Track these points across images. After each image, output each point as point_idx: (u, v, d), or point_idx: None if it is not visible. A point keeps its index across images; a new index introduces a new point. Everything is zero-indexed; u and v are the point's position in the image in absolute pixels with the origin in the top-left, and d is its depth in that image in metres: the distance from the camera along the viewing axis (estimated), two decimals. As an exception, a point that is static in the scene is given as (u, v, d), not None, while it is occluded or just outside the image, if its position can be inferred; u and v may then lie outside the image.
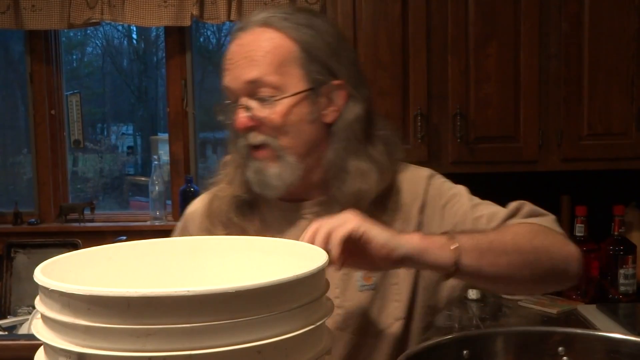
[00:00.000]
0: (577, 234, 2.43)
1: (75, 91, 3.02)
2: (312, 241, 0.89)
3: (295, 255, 0.85)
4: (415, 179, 1.21)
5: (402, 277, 1.16)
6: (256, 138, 1.10)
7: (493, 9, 2.32)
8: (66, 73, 3.08)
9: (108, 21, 2.76)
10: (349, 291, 1.14)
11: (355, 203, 1.08)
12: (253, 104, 1.09)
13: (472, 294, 2.44)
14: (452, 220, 1.15)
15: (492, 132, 2.35)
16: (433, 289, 1.18)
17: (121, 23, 2.82)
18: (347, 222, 0.91)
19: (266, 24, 1.10)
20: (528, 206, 1.16)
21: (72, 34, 3.35)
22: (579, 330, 0.96)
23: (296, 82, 1.09)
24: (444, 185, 1.22)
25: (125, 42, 3.75)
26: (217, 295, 0.62)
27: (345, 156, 1.12)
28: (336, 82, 1.12)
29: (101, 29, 3.44)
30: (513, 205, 1.16)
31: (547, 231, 1.11)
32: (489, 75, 2.33)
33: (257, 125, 1.09)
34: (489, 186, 2.68)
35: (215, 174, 1.22)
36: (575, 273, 1.09)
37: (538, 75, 2.32)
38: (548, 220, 1.15)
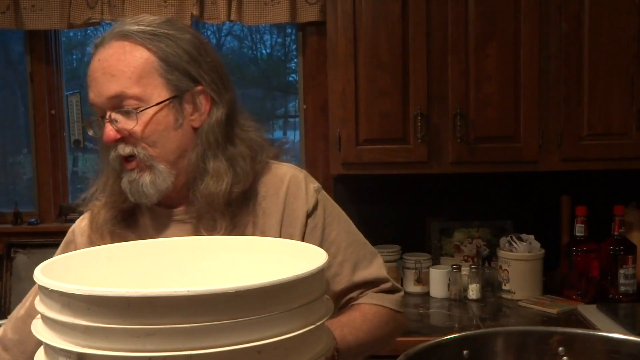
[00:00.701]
0: (577, 234, 2.43)
1: (75, 91, 3.01)
2: None
3: (295, 255, 0.85)
4: (306, 185, 1.24)
5: None
6: (124, 150, 1.14)
7: (493, 9, 2.32)
8: (66, 73, 3.08)
9: (108, 21, 2.76)
10: None
11: (210, 203, 1.14)
12: (118, 117, 1.13)
13: (472, 294, 2.44)
14: (336, 236, 1.24)
15: (492, 132, 2.35)
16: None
17: (121, 23, 2.82)
18: None
19: (124, 36, 1.14)
20: (387, 284, 1.28)
21: (72, 34, 3.34)
22: (579, 330, 0.96)
23: (158, 91, 1.13)
24: (328, 206, 1.26)
25: (125, 42, 3.75)
26: (217, 295, 0.62)
27: (205, 158, 1.16)
28: (199, 88, 1.16)
29: (101, 29, 3.44)
30: (374, 276, 1.27)
31: (390, 318, 1.27)
32: (489, 75, 2.33)
33: (124, 137, 1.13)
34: (489, 186, 2.69)
35: (88, 189, 1.26)
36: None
37: (538, 75, 2.33)
38: (397, 299, 1.29)
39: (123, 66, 1.11)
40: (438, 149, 2.36)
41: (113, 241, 1.16)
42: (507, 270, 2.47)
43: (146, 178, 1.14)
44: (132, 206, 1.21)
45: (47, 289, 0.66)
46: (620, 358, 0.90)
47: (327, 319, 0.73)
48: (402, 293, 1.31)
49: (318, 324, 0.70)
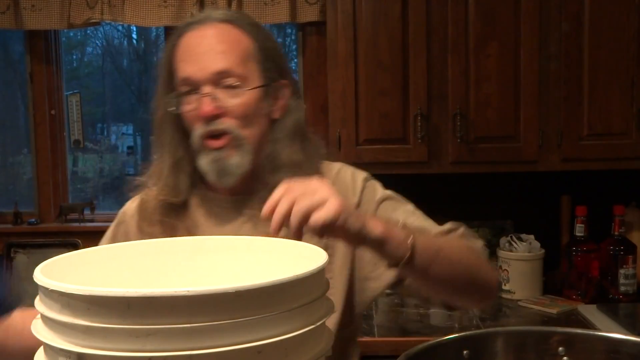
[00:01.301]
0: (577, 234, 2.43)
1: (75, 91, 3.01)
2: (284, 212, 0.89)
3: (295, 255, 0.84)
4: (353, 177, 1.26)
5: (337, 272, 1.19)
6: (221, 124, 1.14)
7: (493, 9, 2.32)
8: (66, 73, 3.08)
9: (108, 21, 2.76)
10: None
11: None
12: (218, 92, 1.13)
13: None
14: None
15: (492, 132, 2.35)
16: (360, 286, 1.22)
17: (121, 23, 2.82)
18: (328, 205, 0.90)
19: (226, 20, 1.17)
20: (463, 229, 1.21)
21: (72, 34, 3.34)
22: (579, 330, 0.96)
23: (255, 77, 1.16)
24: (379, 188, 1.27)
25: (125, 42, 3.75)
26: (217, 295, 0.62)
27: (281, 150, 1.18)
28: (284, 81, 1.20)
29: (101, 29, 3.44)
30: (448, 225, 1.20)
31: (479, 254, 1.18)
32: (489, 75, 2.33)
33: (222, 113, 1.14)
34: (489, 186, 2.69)
35: (143, 173, 1.25)
36: (493, 297, 1.19)
37: (538, 75, 2.33)
38: (479, 245, 1.20)
39: (230, 46, 1.14)
40: (438, 149, 2.36)
41: (161, 230, 1.18)
42: (507, 270, 2.47)
43: (234, 158, 1.15)
44: (181, 201, 1.21)
45: (47, 289, 0.66)
46: (620, 358, 0.90)
47: (327, 318, 0.73)
48: (482, 242, 1.24)
49: (318, 324, 0.70)
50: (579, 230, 2.43)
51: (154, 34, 3.43)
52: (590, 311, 2.27)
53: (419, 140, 2.33)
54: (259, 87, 1.16)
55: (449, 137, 2.35)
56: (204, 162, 1.16)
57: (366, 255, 1.20)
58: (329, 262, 1.19)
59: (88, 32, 3.45)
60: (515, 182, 2.66)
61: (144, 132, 3.69)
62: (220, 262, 0.89)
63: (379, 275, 1.20)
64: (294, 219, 0.89)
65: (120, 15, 2.69)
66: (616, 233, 2.40)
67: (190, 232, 1.18)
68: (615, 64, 2.32)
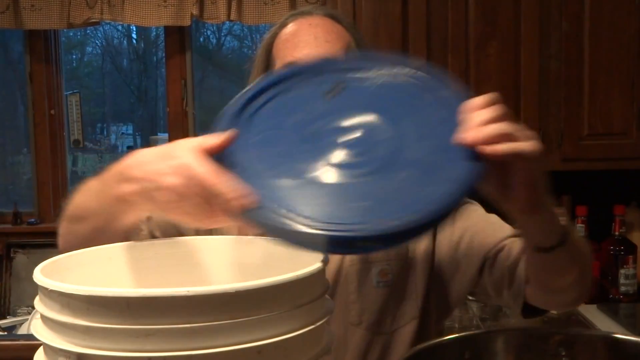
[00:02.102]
0: (577, 234, 2.43)
1: (75, 91, 3.02)
2: (490, 117, 0.76)
3: (295, 255, 0.84)
4: None
5: (418, 274, 1.16)
6: None
7: (493, 9, 2.32)
8: (66, 73, 3.08)
9: (108, 21, 2.76)
10: (365, 287, 1.15)
11: None
12: None
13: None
14: (464, 223, 1.16)
15: (492, 132, 2.35)
16: (445, 287, 1.18)
17: (121, 23, 2.82)
18: (534, 142, 0.78)
19: (330, 16, 1.19)
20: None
21: (71, 34, 3.35)
22: (579, 331, 0.96)
23: None
24: None
25: (125, 42, 3.75)
26: (217, 295, 0.62)
27: None
28: None
29: (101, 28, 3.44)
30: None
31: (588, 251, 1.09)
32: (489, 75, 2.33)
33: None
34: (489, 186, 2.69)
35: None
36: (586, 296, 1.13)
37: (538, 75, 2.32)
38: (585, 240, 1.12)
39: (335, 37, 1.15)
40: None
41: None
42: (507, 270, 2.46)
43: None
44: None
45: (47, 289, 0.66)
46: (621, 358, 0.90)
47: (327, 319, 0.73)
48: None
49: (318, 324, 0.70)
50: (579, 230, 2.42)
51: (154, 34, 3.43)
52: (590, 311, 2.27)
53: (419, 140, 2.33)
54: None
55: (449, 137, 2.35)
56: None
57: (444, 262, 1.16)
58: (411, 266, 1.16)
59: (88, 32, 3.45)
60: (515, 182, 2.66)
61: (143, 132, 3.69)
62: (220, 262, 0.89)
63: (461, 277, 1.15)
64: (495, 129, 0.76)
65: (120, 15, 2.69)
66: (616, 233, 2.40)
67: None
68: (616, 64, 2.32)
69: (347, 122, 0.81)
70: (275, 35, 1.19)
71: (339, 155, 0.79)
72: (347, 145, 0.79)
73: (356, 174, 0.78)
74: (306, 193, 0.76)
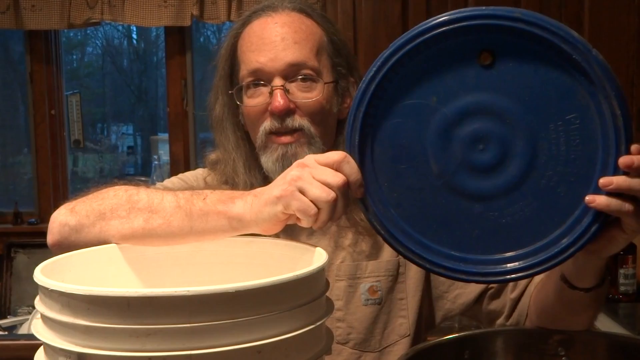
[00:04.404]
0: (577, 234, 2.43)
1: (75, 91, 3.02)
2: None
3: (295, 255, 0.84)
4: None
5: (411, 292, 1.11)
6: (295, 121, 1.03)
7: (493, 9, 2.31)
8: (66, 73, 3.08)
9: (108, 21, 2.76)
10: (352, 304, 1.09)
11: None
12: (292, 86, 1.03)
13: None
14: None
15: (492, 132, 2.35)
16: (433, 305, 1.15)
17: (121, 23, 2.82)
18: None
19: (299, 9, 1.07)
20: None
21: (72, 34, 3.35)
22: (579, 330, 0.96)
23: (327, 71, 1.07)
24: None
25: (125, 42, 3.75)
26: (217, 295, 0.62)
27: None
28: (352, 79, 1.10)
29: (101, 29, 3.44)
30: None
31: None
32: (489, 75, 2.33)
33: (294, 108, 1.03)
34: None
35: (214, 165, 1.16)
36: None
37: (538, 75, 2.32)
38: None
39: (304, 37, 1.04)
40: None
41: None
42: (507, 270, 2.46)
43: (305, 154, 0.99)
44: None
45: (47, 288, 0.66)
46: (620, 358, 0.90)
47: (327, 318, 0.73)
48: None
49: (318, 323, 0.70)
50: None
51: (154, 34, 3.44)
52: (590, 311, 2.27)
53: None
54: (329, 82, 1.05)
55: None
56: (270, 160, 1.04)
57: (439, 280, 1.12)
58: (403, 282, 1.11)
59: (88, 32, 3.45)
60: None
61: (143, 132, 3.69)
62: (221, 261, 0.89)
63: (455, 297, 1.12)
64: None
65: (120, 15, 2.69)
66: (616, 233, 2.40)
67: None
68: (615, 63, 2.30)
69: (491, 111, 0.77)
70: (238, 35, 1.10)
71: (471, 158, 0.77)
72: (481, 148, 0.77)
73: (478, 194, 0.78)
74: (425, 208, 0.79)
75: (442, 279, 1.09)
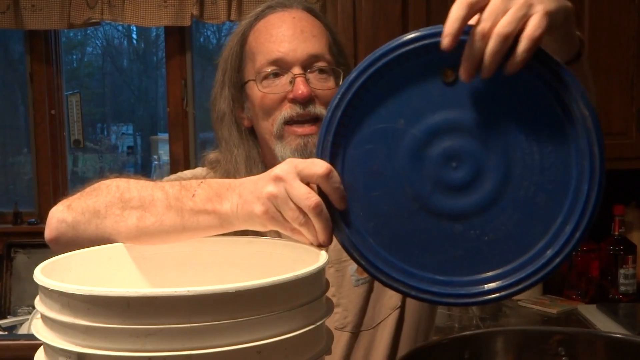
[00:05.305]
0: (577, 234, 2.43)
1: (75, 91, 3.02)
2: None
3: (295, 255, 0.85)
4: None
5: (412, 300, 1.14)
6: (317, 109, 1.07)
7: (493, 9, 2.31)
8: (66, 73, 3.08)
9: (108, 21, 2.76)
10: (344, 288, 1.13)
11: None
12: (310, 77, 1.08)
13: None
14: None
15: (492, 132, 2.35)
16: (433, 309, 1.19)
17: (121, 23, 2.82)
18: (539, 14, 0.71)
19: (307, 9, 1.14)
20: None
21: (72, 34, 3.35)
22: (579, 330, 0.96)
23: (334, 67, 1.12)
24: None
25: (125, 42, 3.75)
26: (217, 295, 0.62)
27: None
28: None
29: (101, 29, 3.44)
30: None
31: None
32: (489, 75, 2.33)
33: (314, 97, 1.07)
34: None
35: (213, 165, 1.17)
36: None
37: (538, 75, 2.32)
38: None
39: (320, 32, 1.11)
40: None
41: None
42: (507, 270, 2.46)
43: None
44: None
45: (47, 288, 0.66)
46: (620, 358, 0.90)
47: (327, 318, 0.73)
48: None
49: (318, 324, 0.70)
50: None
51: (154, 34, 3.43)
52: (590, 311, 2.27)
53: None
54: (341, 75, 1.10)
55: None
56: (289, 150, 1.06)
57: None
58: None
59: (88, 32, 3.45)
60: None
61: (143, 132, 3.69)
62: (221, 261, 0.89)
63: None
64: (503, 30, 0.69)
65: (120, 15, 2.69)
66: (616, 233, 2.40)
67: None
68: (615, 64, 2.32)
69: (460, 127, 0.75)
70: (250, 27, 1.13)
71: (445, 177, 0.76)
72: (454, 166, 0.76)
73: (457, 214, 0.76)
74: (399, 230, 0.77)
75: None
